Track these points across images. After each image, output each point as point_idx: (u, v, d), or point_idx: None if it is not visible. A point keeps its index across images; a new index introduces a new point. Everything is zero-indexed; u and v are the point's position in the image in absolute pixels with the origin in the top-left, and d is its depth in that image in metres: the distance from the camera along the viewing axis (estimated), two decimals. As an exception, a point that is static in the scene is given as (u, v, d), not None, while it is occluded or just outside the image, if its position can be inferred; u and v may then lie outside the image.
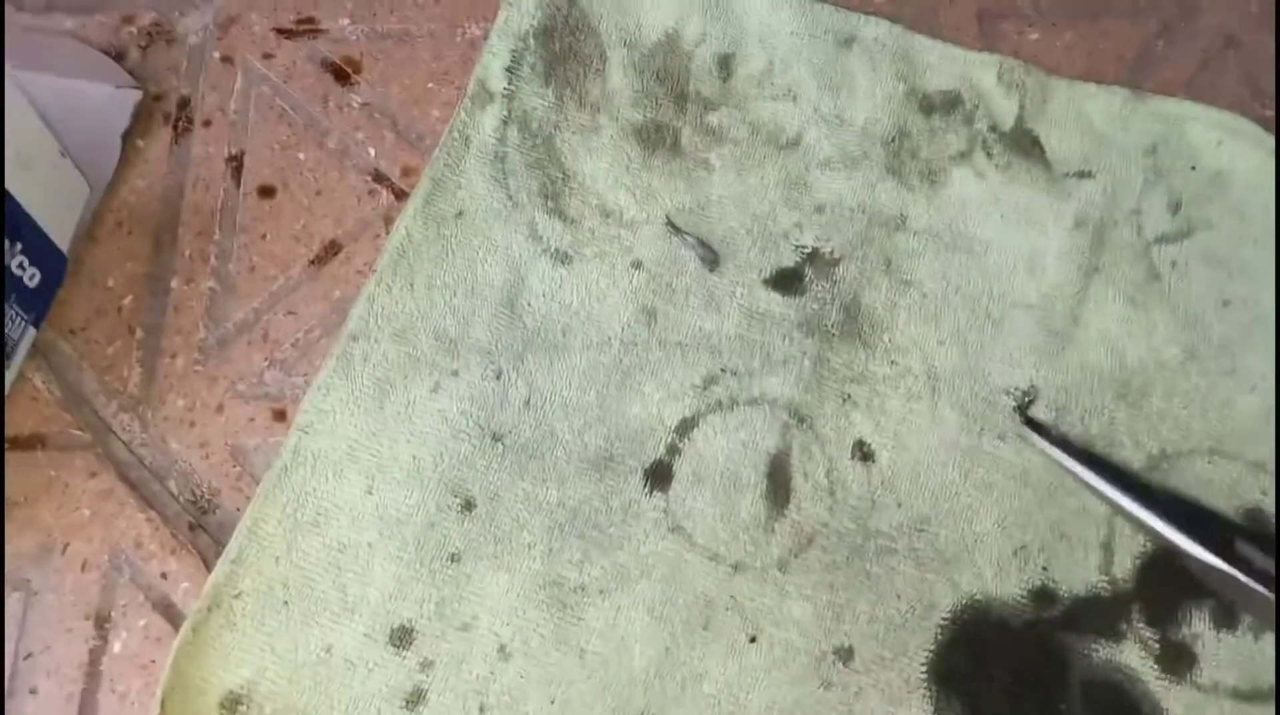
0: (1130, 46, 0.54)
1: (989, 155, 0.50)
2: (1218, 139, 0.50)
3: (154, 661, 0.39)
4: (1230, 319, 0.47)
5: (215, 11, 0.52)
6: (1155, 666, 0.40)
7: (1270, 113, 0.52)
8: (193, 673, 0.39)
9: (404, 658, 0.39)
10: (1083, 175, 0.50)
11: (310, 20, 0.52)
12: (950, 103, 0.51)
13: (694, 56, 0.51)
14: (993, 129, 0.50)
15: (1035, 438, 0.43)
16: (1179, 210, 0.49)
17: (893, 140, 0.50)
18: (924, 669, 0.40)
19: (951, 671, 0.40)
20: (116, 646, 0.40)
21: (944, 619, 0.41)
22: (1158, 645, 0.41)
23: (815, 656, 0.40)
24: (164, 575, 0.41)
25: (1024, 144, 0.50)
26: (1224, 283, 0.48)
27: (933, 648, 0.41)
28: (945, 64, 0.52)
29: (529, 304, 0.46)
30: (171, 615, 0.40)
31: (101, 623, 0.40)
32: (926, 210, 0.49)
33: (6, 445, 0.43)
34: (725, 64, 0.51)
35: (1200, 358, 0.46)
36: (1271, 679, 0.40)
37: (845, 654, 0.40)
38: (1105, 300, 0.47)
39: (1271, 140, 0.50)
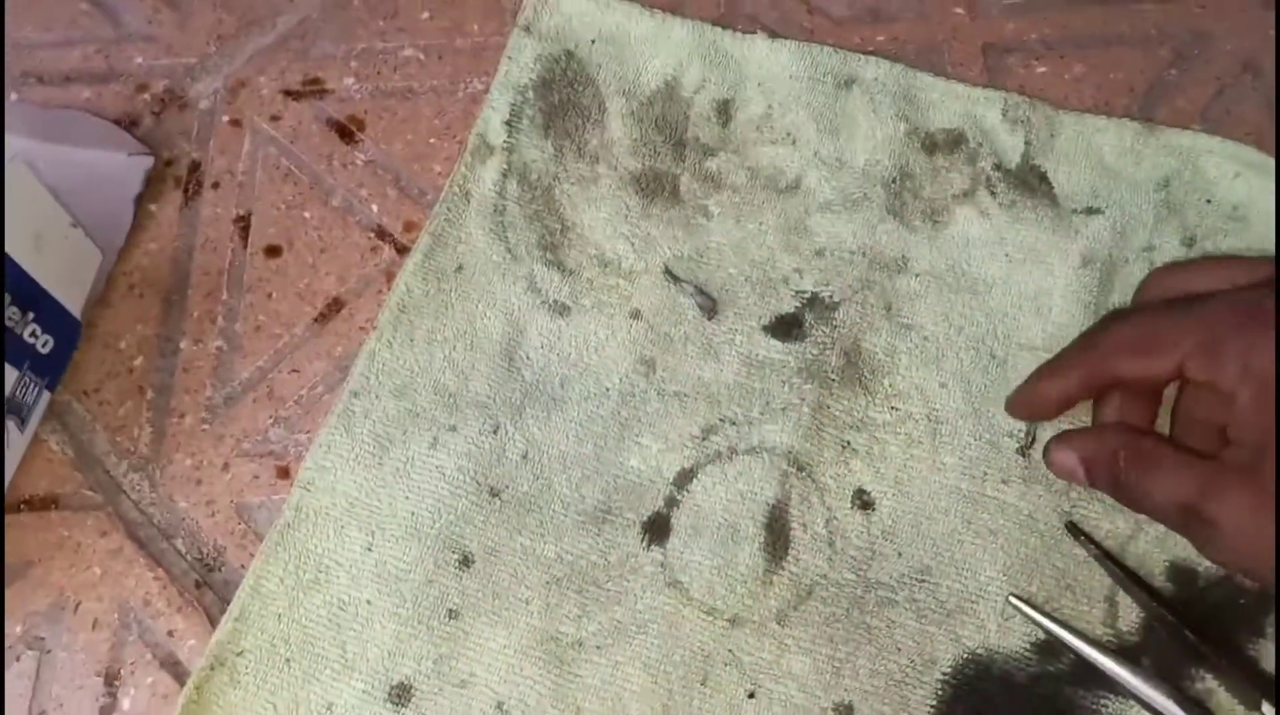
0: (1142, 76, 0.52)
1: (993, 193, 0.49)
2: (1234, 171, 0.49)
3: (160, 720, 0.40)
4: (1246, 356, 0.45)
5: (225, 77, 0.53)
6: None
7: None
8: (195, 732, 0.39)
9: (401, 715, 0.40)
10: (1091, 211, 0.49)
11: (316, 81, 0.53)
12: (953, 141, 0.50)
13: (693, 103, 0.51)
14: (997, 167, 0.50)
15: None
16: (1193, 245, 0.48)
17: (894, 181, 0.49)
18: (926, 725, 0.40)
19: (954, 727, 0.40)
20: (125, 704, 0.41)
21: (945, 674, 0.40)
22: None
23: (815, 714, 0.40)
24: (171, 633, 0.42)
25: (1030, 181, 0.49)
26: (1240, 319, 0.46)
27: (934, 703, 0.40)
28: (948, 101, 0.51)
29: (527, 357, 0.46)
30: (178, 673, 0.41)
31: (111, 680, 0.41)
32: (929, 251, 0.48)
33: (22, 506, 0.44)
34: (724, 109, 0.51)
35: (1213, 398, 0.44)
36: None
37: (845, 710, 0.40)
38: (1115, 340, 0.46)
39: (1290, 173, 0.48)
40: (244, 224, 0.50)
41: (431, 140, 0.52)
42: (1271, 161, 0.49)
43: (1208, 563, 0.41)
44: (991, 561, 0.42)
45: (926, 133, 0.50)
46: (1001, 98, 0.51)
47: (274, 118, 0.52)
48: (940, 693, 0.40)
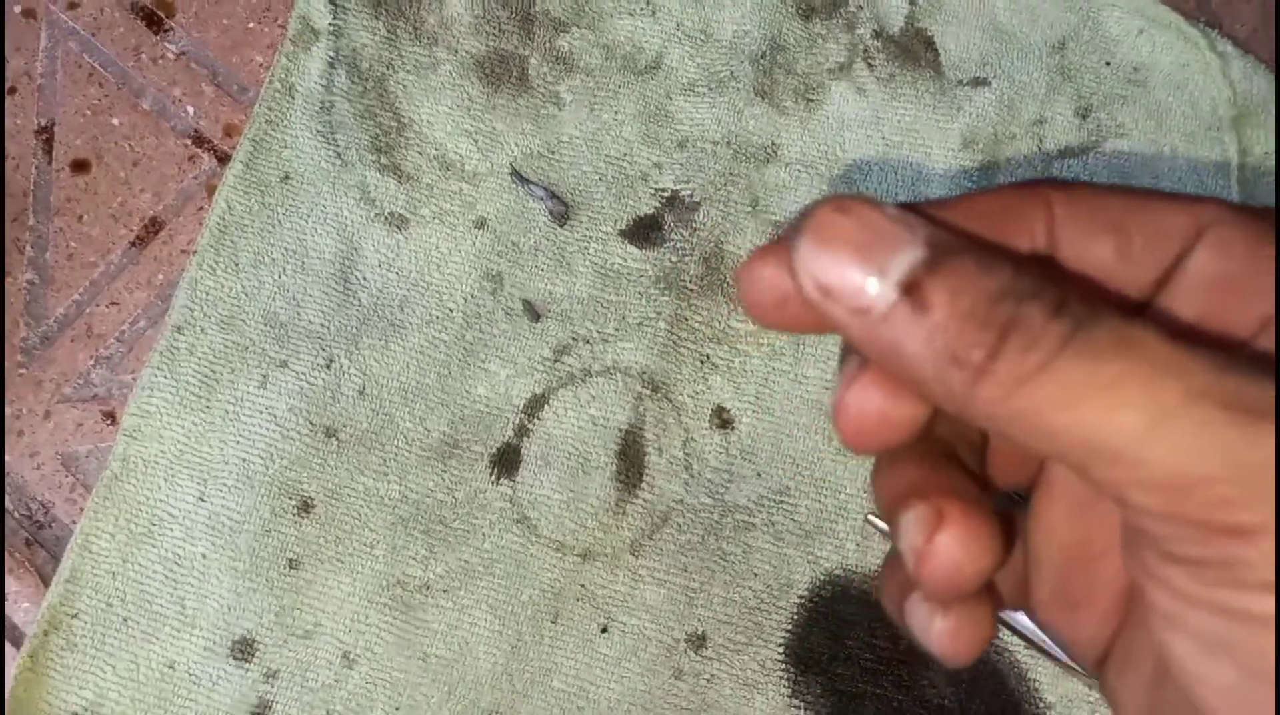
0: (1045, -85, 0.46)
1: (871, 66, 0.44)
2: (1138, 28, 0.44)
3: None
4: (1135, 243, 0.42)
5: (8, -44, 0.46)
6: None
7: (1201, -12, 0.45)
8: (34, 699, 0.38)
9: (246, 670, 0.39)
10: (978, 83, 0.44)
11: (113, -41, 0.46)
12: (832, 3, 0.45)
13: (539, -30, 0.46)
14: (877, 34, 0.45)
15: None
16: (1088, 116, 0.44)
17: (764, 55, 0.44)
18: (781, 651, 0.39)
19: (809, 652, 0.39)
20: (-33, 667, 0.40)
21: (801, 596, 0.40)
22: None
23: (667, 645, 0.39)
24: (3, 596, 0.40)
25: (913, 48, 0.45)
26: (1131, 201, 0.43)
27: (790, 628, 0.39)
28: (825, -43, 0.45)
29: (364, 278, 0.43)
30: (15, 637, 0.40)
31: (-50, 644, 0.40)
32: (800, 136, 0.44)
33: None
34: (575, -23, 0.46)
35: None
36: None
37: (697, 641, 0.39)
38: (996, 230, 0.43)
39: (1197, 34, 0.43)
40: (47, 136, 0.45)
41: (250, 25, 0.46)
42: (1176, 18, 0.44)
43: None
44: (851, 479, 0.40)
45: (801, -5, 0.45)
46: (886, -51, 0.45)
47: (72, 4, 0.46)
48: (796, 617, 0.39)
